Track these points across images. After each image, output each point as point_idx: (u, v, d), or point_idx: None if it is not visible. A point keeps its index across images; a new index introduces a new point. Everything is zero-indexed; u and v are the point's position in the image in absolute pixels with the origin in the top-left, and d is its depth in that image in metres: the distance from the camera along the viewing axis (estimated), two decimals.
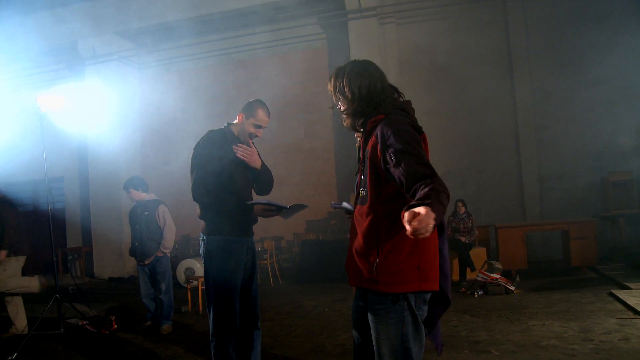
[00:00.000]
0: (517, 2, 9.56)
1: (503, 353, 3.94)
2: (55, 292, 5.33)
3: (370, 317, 1.90)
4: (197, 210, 2.99)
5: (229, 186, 2.89)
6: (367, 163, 1.92)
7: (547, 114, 9.40)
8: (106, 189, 10.45)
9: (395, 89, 2.04)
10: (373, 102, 1.96)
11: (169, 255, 5.55)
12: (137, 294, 5.80)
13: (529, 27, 9.54)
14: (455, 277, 7.47)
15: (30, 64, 11.45)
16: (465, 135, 9.61)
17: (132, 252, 5.53)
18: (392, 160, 1.77)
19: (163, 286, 5.43)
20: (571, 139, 9.16)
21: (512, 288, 6.35)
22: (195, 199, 2.88)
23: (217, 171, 2.84)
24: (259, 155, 3.04)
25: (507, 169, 9.59)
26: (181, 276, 8.17)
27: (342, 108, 2.03)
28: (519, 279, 6.64)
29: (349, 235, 2.10)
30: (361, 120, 2.00)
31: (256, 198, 3.17)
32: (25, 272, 5.82)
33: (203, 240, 2.94)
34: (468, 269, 7.21)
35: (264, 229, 9.71)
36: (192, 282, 6.79)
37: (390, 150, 1.77)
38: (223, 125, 3.06)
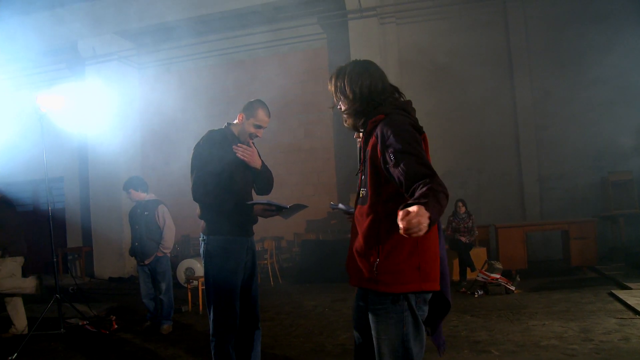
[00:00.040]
0: (517, 2, 9.56)
1: (503, 353, 3.94)
2: (55, 292, 5.32)
3: (370, 317, 1.90)
4: (197, 210, 2.99)
5: (229, 186, 2.89)
6: (368, 163, 1.92)
7: (547, 114, 9.41)
8: (106, 189, 10.45)
9: (396, 89, 2.04)
10: (374, 102, 1.96)
11: (168, 255, 5.55)
12: (137, 294, 5.81)
13: (529, 27, 9.54)
14: (456, 277, 7.47)
15: (30, 64, 11.45)
16: (465, 135, 9.61)
17: (132, 252, 5.53)
18: (391, 160, 1.77)
19: (163, 286, 5.44)
20: (571, 139, 9.16)
21: (512, 288, 6.35)
22: (195, 199, 2.88)
23: (217, 171, 2.84)
24: (259, 155, 3.04)
25: (507, 169, 9.59)
26: (181, 276, 8.17)
27: (343, 108, 2.04)
28: (519, 279, 6.64)
29: (349, 236, 2.10)
30: (362, 120, 2.00)
31: (256, 198, 3.17)
32: (26, 272, 5.81)
33: (203, 240, 2.94)
34: (468, 269, 7.21)
35: (264, 229, 9.71)
36: (192, 282, 6.79)
37: (390, 150, 1.77)
38: (223, 125, 3.06)
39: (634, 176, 8.29)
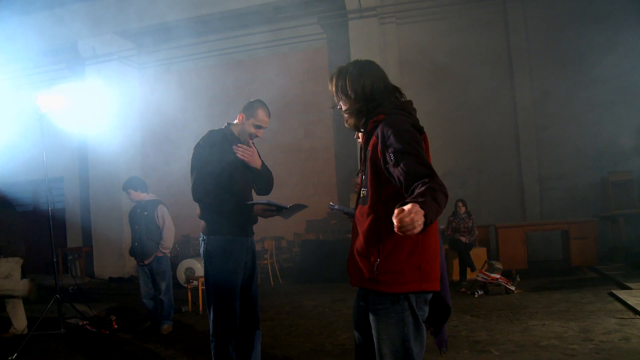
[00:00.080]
0: (517, 2, 9.56)
1: (503, 353, 3.94)
2: (55, 292, 5.32)
3: (371, 317, 1.90)
4: (197, 210, 2.99)
5: (229, 186, 2.89)
6: (368, 163, 1.92)
7: (547, 114, 9.40)
8: (106, 189, 10.45)
9: (397, 89, 2.05)
10: (375, 101, 1.96)
11: (168, 255, 5.56)
12: (138, 294, 5.81)
13: (529, 27, 9.54)
14: (456, 277, 7.48)
15: (31, 64, 11.45)
16: (465, 135, 9.61)
17: (132, 252, 5.53)
18: (391, 159, 1.77)
19: (163, 286, 5.44)
20: (571, 139, 9.16)
21: (512, 288, 6.35)
22: (195, 199, 2.88)
23: (217, 171, 2.84)
24: (259, 156, 3.04)
25: (507, 169, 9.59)
26: (181, 276, 8.17)
27: (344, 108, 2.04)
28: (519, 279, 6.64)
29: (349, 236, 2.10)
30: (363, 120, 2.00)
31: (256, 198, 3.17)
32: (25, 273, 5.81)
33: (203, 240, 2.94)
34: (468, 269, 7.21)
35: (264, 229, 9.71)
36: (192, 282, 6.79)
37: (390, 149, 1.77)
38: (223, 125, 3.06)
39: (634, 176, 8.28)
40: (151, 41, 11.06)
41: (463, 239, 7.31)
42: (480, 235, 8.10)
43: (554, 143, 9.33)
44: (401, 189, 1.77)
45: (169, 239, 5.44)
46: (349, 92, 1.98)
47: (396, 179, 1.77)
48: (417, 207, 1.49)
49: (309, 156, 10.66)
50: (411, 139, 1.79)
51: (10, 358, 4.55)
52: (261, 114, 2.96)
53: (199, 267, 8.00)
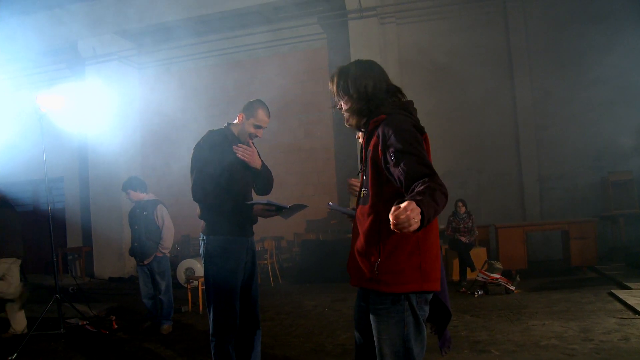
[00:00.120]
0: (517, 2, 9.56)
1: (503, 353, 3.94)
2: (55, 292, 5.32)
3: (371, 317, 1.90)
4: (197, 210, 2.99)
5: (229, 186, 2.89)
6: (369, 163, 1.92)
7: (547, 114, 9.41)
8: (106, 189, 10.44)
9: (398, 90, 2.05)
10: (377, 101, 1.97)
11: (168, 255, 5.55)
12: (137, 294, 5.81)
13: (529, 27, 9.54)
14: (456, 277, 7.48)
15: (31, 64, 11.45)
16: (466, 135, 9.61)
17: (132, 252, 5.53)
18: (392, 159, 1.77)
19: (162, 286, 5.43)
20: (571, 138, 9.16)
21: (512, 288, 6.35)
22: (195, 199, 2.88)
23: (217, 171, 2.84)
24: (259, 156, 3.04)
25: (507, 169, 9.59)
26: (181, 276, 8.17)
27: (345, 107, 2.03)
28: (519, 279, 6.64)
29: (350, 236, 2.10)
30: (364, 120, 2.00)
31: (256, 198, 3.17)
32: (26, 273, 5.80)
33: (203, 240, 2.94)
34: (468, 269, 7.21)
35: (264, 229, 9.70)
36: (192, 282, 6.79)
37: (391, 149, 1.78)
38: (223, 125, 3.06)
39: (634, 176, 8.29)
40: (151, 41, 11.06)
41: (463, 238, 7.31)
42: (480, 235, 8.10)
43: (554, 143, 9.33)
44: (401, 189, 1.77)
45: (168, 239, 5.44)
46: (351, 92, 1.98)
47: (396, 178, 1.77)
48: (414, 204, 1.49)
49: (309, 156, 10.66)
50: (412, 139, 1.79)
51: (10, 358, 4.55)
52: (261, 114, 2.96)
53: (199, 267, 8.00)
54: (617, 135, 8.58)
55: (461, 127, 9.59)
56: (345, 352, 4.22)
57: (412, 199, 1.53)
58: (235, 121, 3.01)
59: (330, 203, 2.49)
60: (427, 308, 1.93)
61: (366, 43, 9.35)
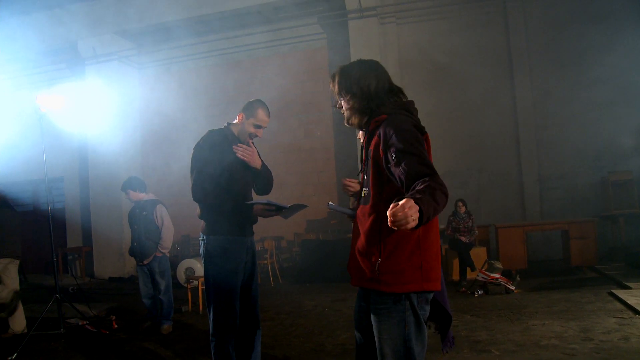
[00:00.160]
0: (517, 2, 9.56)
1: (503, 352, 3.94)
2: (55, 292, 5.32)
3: (372, 317, 1.90)
4: (197, 210, 2.99)
5: (229, 186, 2.89)
6: (370, 162, 1.92)
7: (547, 114, 9.41)
8: (106, 189, 10.44)
9: (400, 90, 2.05)
10: (379, 100, 1.97)
11: (167, 255, 5.55)
12: (138, 294, 5.81)
13: (529, 27, 9.54)
14: (456, 276, 7.48)
15: (31, 64, 11.45)
16: (466, 135, 9.61)
17: (131, 252, 5.53)
18: (393, 159, 1.77)
19: (162, 286, 5.43)
20: (571, 138, 9.16)
21: (512, 288, 6.35)
22: (195, 199, 2.88)
23: (217, 171, 2.84)
24: (259, 155, 3.04)
25: (507, 169, 9.60)
26: (181, 276, 8.18)
27: (347, 106, 2.03)
28: (519, 279, 6.64)
29: (350, 235, 2.10)
30: (366, 119, 2.00)
31: (256, 198, 3.17)
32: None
33: (203, 240, 2.94)
34: (468, 269, 7.21)
35: (264, 229, 9.70)
36: (192, 282, 6.79)
37: (392, 149, 1.78)
38: (223, 125, 3.06)
39: (634, 176, 8.29)
40: (151, 41, 11.07)
41: (463, 238, 7.31)
42: (480, 235, 8.10)
43: (554, 143, 9.33)
44: (402, 189, 1.77)
45: (167, 238, 5.44)
46: (354, 90, 1.98)
47: (397, 178, 1.77)
48: (412, 202, 1.49)
49: (309, 156, 10.66)
50: (413, 139, 1.79)
51: (10, 358, 4.55)
52: (261, 113, 2.96)
53: (199, 267, 8.00)
54: (617, 135, 8.58)
55: (461, 127, 9.59)
56: (346, 352, 4.22)
57: (411, 196, 1.54)
58: (235, 121, 3.01)
59: (331, 203, 2.49)
60: (427, 307, 1.93)
61: (366, 43, 9.35)
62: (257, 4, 9.87)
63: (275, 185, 3.21)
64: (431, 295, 1.94)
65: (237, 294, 2.91)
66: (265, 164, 3.09)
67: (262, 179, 3.08)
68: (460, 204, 7.50)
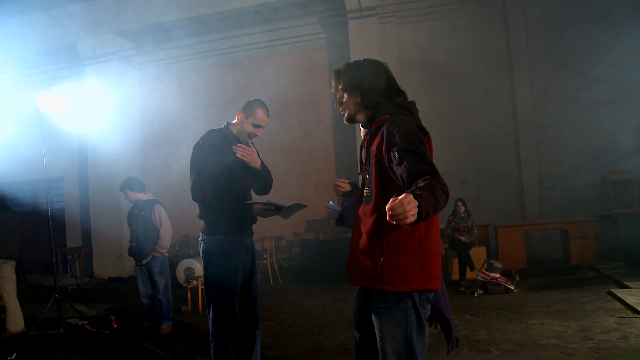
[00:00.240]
0: (516, 2, 9.56)
1: (502, 352, 3.95)
2: (54, 292, 5.32)
3: (374, 316, 1.91)
4: (197, 210, 2.99)
5: (228, 186, 2.89)
6: (373, 162, 1.93)
7: (547, 114, 9.41)
8: (106, 189, 10.44)
9: (403, 92, 2.06)
10: (385, 98, 1.98)
11: (166, 255, 5.55)
12: (137, 294, 5.81)
13: (529, 26, 9.55)
14: (455, 276, 7.48)
15: (30, 64, 11.46)
16: (465, 135, 9.61)
17: (130, 252, 5.53)
18: (395, 158, 1.78)
19: (161, 286, 5.43)
20: (571, 138, 9.16)
21: (512, 287, 6.35)
22: (194, 198, 2.88)
23: (216, 171, 2.84)
24: (259, 155, 3.04)
25: (507, 169, 9.60)
26: (181, 276, 8.17)
27: (355, 101, 2.01)
28: (518, 278, 6.64)
29: (349, 235, 2.10)
30: (371, 115, 2.00)
31: (255, 198, 3.17)
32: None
33: (202, 240, 2.94)
34: (468, 268, 7.22)
35: (264, 229, 9.71)
36: (192, 281, 6.79)
37: (395, 148, 1.78)
38: (222, 125, 3.05)
39: (634, 176, 8.29)
40: (151, 41, 11.07)
41: (463, 238, 7.31)
42: (480, 235, 8.11)
43: (554, 142, 9.33)
44: (404, 188, 1.77)
45: (166, 238, 5.43)
46: (365, 86, 1.98)
47: (399, 176, 1.78)
48: (411, 197, 1.50)
49: (308, 156, 10.66)
50: (416, 138, 1.80)
51: (9, 358, 4.55)
52: (260, 113, 2.95)
53: (198, 267, 8.00)
54: (617, 134, 8.58)
55: (461, 127, 9.59)
56: (345, 352, 4.22)
57: (410, 192, 1.54)
58: (234, 121, 3.01)
59: (330, 202, 2.49)
60: (428, 306, 1.94)
61: (366, 43, 9.35)
62: (256, 4, 9.87)
63: (274, 185, 3.20)
64: (432, 294, 1.94)
65: (237, 293, 2.90)
66: (265, 163, 3.09)
67: (262, 179, 3.08)
68: (459, 203, 7.51)
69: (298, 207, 2.84)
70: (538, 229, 8.30)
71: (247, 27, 10.59)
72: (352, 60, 2.11)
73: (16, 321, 5.45)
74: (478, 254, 7.54)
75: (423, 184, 1.62)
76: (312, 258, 8.52)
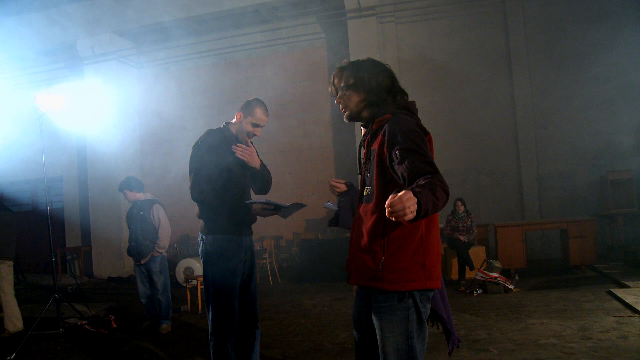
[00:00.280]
0: (516, 1, 9.56)
1: (502, 352, 3.95)
2: (54, 292, 5.32)
3: (374, 315, 1.91)
4: (196, 210, 2.98)
5: (228, 186, 2.89)
6: (374, 161, 1.93)
7: (546, 113, 9.42)
8: (105, 188, 10.45)
9: (405, 92, 2.06)
10: (389, 97, 1.98)
11: (165, 254, 5.55)
12: (136, 294, 5.80)
13: (528, 25, 9.55)
14: (455, 275, 7.49)
15: (29, 64, 11.45)
16: (465, 134, 9.61)
17: (129, 252, 5.53)
18: (397, 157, 1.78)
19: (159, 286, 5.42)
20: (570, 137, 9.17)
21: (511, 287, 6.35)
22: (193, 198, 2.88)
23: (215, 171, 2.84)
24: (258, 155, 3.04)
25: (506, 168, 9.60)
26: (180, 276, 8.17)
27: (360, 98, 2.01)
28: (517, 278, 6.65)
29: (349, 235, 2.10)
30: (374, 113, 2.00)
31: (255, 197, 3.17)
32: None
33: (202, 239, 2.94)
34: (467, 268, 7.22)
35: (263, 228, 9.72)
36: (192, 281, 6.79)
37: (397, 148, 1.79)
38: (222, 124, 3.05)
39: (633, 175, 8.30)
40: (149, 41, 11.06)
41: (462, 237, 7.32)
42: (479, 234, 8.11)
43: (553, 142, 9.34)
44: (405, 186, 1.78)
45: (164, 238, 5.43)
46: (372, 84, 1.98)
47: (400, 175, 1.79)
48: (411, 194, 1.50)
49: (308, 156, 10.66)
50: (417, 138, 1.81)
51: (8, 358, 4.55)
52: (259, 112, 2.95)
53: (198, 267, 8.00)
54: (616, 134, 8.59)
55: (460, 126, 9.60)
56: (345, 352, 4.22)
57: (410, 189, 1.54)
58: (233, 120, 3.01)
59: (329, 202, 2.49)
60: (429, 306, 1.94)
61: (365, 42, 9.35)
62: (255, 4, 9.86)
63: (273, 184, 3.20)
64: (432, 293, 1.95)
65: (236, 293, 2.90)
66: (264, 163, 3.09)
67: (261, 178, 3.08)
68: (459, 203, 7.51)
69: (297, 206, 2.83)
70: (537, 228, 8.31)
71: (246, 27, 10.59)
72: (351, 59, 2.11)
73: (14, 321, 5.44)
74: (477, 253, 7.55)
75: (424, 182, 1.63)
76: (311, 258, 8.52)
